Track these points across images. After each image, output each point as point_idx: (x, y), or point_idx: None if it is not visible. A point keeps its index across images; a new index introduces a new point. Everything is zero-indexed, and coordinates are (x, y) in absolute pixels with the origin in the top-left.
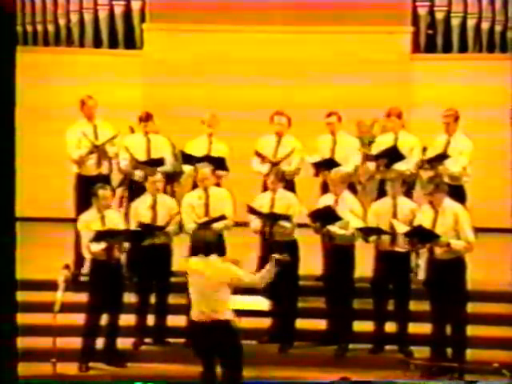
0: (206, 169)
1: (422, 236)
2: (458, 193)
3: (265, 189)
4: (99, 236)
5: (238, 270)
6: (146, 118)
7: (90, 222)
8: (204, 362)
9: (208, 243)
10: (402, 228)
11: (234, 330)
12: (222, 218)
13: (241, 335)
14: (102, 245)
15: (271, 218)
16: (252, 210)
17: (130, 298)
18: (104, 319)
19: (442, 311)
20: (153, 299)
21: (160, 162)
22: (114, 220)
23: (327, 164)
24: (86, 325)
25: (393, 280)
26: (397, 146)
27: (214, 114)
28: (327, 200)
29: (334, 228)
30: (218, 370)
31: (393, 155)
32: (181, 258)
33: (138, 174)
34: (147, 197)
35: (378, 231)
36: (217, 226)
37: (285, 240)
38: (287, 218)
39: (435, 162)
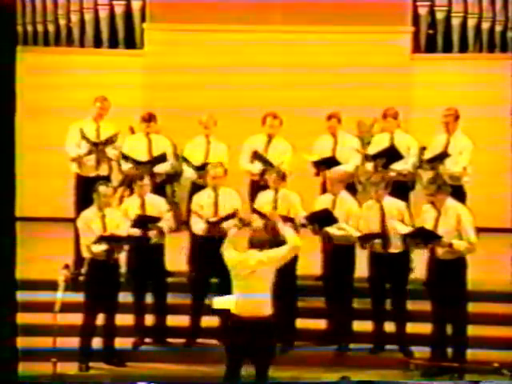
0: (219, 168)
1: (424, 237)
2: (457, 193)
3: (252, 188)
4: (103, 240)
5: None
6: (149, 118)
7: (90, 219)
8: (233, 360)
9: (263, 240)
10: (403, 229)
11: (275, 328)
12: (234, 215)
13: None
14: (104, 246)
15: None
16: (256, 212)
17: (130, 297)
18: (102, 319)
19: (442, 311)
20: (151, 299)
21: (162, 158)
22: (115, 220)
23: (328, 162)
24: (84, 324)
25: (389, 280)
26: (395, 145)
27: (211, 115)
28: (325, 200)
29: (332, 230)
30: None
31: (391, 155)
32: (229, 250)
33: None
34: (136, 198)
35: (374, 236)
36: (227, 225)
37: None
38: (290, 220)
39: (436, 161)
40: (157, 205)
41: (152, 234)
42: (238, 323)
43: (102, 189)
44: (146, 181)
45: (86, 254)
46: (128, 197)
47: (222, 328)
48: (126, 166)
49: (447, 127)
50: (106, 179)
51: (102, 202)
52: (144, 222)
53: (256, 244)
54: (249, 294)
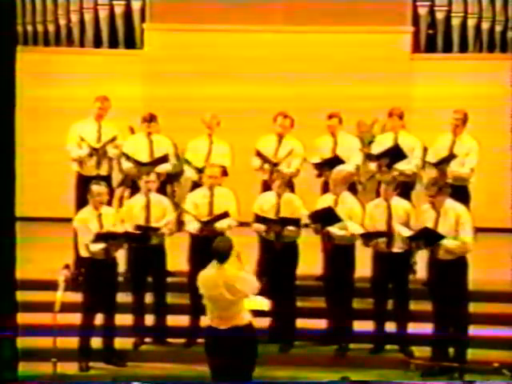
0: (216, 168)
1: (427, 238)
2: (461, 193)
3: (264, 188)
4: (100, 238)
5: (249, 289)
6: (150, 118)
7: (86, 219)
8: (216, 365)
9: (222, 252)
10: (406, 232)
11: (254, 333)
12: (225, 215)
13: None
14: (102, 245)
15: (280, 224)
16: (259, 219)
17: (130, 297)
18: (101, 319)
19: (444, 311)
20: (151, 299)
21: (164, 159)
22: (111, 218)
23: (332, 163)
24: (83, 324)
25: (392, 280)
26: (399, 145)
27: (214, 115)
28: (327, 200)
29: (334, 229)
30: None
31: (395, 154)
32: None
33: (137, 174)
34: (141, 197)
35: (378, 235)
36: (220, 225)
37: (287, 242)
38: (295, 221)
39: (443, 163)
40: (161, 206)
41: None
42: (214, 333)
43: (95, 188)
44: (153, 177)
45: (83, 254)
46: (128, 197)
47: None
48: (127, 165)
49: (454, 129)
50: (107, 179)
51: (96, 201)
52: (145, 230)
53: (219, 254)
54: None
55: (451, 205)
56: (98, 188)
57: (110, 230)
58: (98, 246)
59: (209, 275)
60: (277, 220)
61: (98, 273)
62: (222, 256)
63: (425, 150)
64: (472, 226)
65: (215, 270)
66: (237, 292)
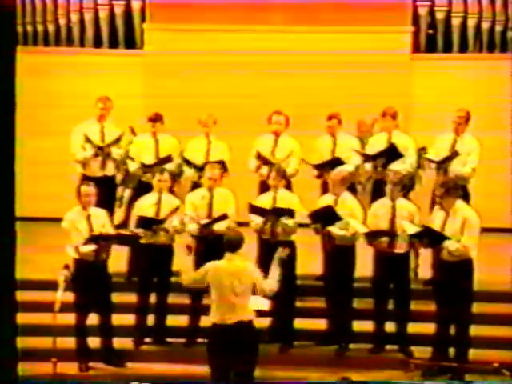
0: (216, 170)
1: (430, 238)
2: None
3: (262, 189)
4: (92, 240)
5: (260, 276)
6: (156, 118)
7: (75, 220)
8: (219, 364)
9: (234, 242)
10: (411, 229)
11: (256, 332)
12: (224, 217)
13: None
14: (92, 247)
15: (274, 214)
16: (254, 209)
17: (130, 297)
18: (98, 319)
19: (447, 312)
20: (153, 299)
21: (168, 159)
22: (100, 219)
23: (332, 164)
24: (76, 325)
25: (392, 280)
26: (395, 145)
27: (210, 114)
28: (327, 200)
29: (335, 229)
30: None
31: (391, 154)
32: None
33: (147, 176)
34: (152, 195)
35: (381, 234)
36: (219, 227)
37: (283, 241)
38: (290, 212)
39: (446, 162)
40: (171, 205)
41: (147, 233)
42: (219, 330)
43: (83, 188)
44: (166, 176)
45: (73, 255)
46: (129, 197)
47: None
48: (133, 167)
49: (457, 128)
50: (112, 179)
51: (84, 202)
52: (147, 223)
53: (230, 245)
54: (230, 302)
55: (460, 207)
56: (86, 188)
57: (102, 232)
58: (89, 248)
59: (220, 264)
60: (271, 210)
61: (87, 274)
62: (234, 246)
63: (421, 149)
64: (478, 231)
65: (226, 260)
66: (246, 282)
